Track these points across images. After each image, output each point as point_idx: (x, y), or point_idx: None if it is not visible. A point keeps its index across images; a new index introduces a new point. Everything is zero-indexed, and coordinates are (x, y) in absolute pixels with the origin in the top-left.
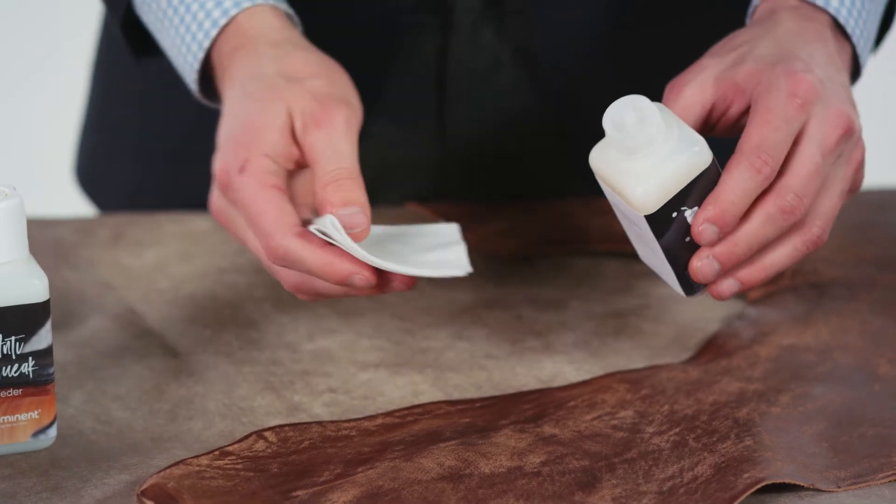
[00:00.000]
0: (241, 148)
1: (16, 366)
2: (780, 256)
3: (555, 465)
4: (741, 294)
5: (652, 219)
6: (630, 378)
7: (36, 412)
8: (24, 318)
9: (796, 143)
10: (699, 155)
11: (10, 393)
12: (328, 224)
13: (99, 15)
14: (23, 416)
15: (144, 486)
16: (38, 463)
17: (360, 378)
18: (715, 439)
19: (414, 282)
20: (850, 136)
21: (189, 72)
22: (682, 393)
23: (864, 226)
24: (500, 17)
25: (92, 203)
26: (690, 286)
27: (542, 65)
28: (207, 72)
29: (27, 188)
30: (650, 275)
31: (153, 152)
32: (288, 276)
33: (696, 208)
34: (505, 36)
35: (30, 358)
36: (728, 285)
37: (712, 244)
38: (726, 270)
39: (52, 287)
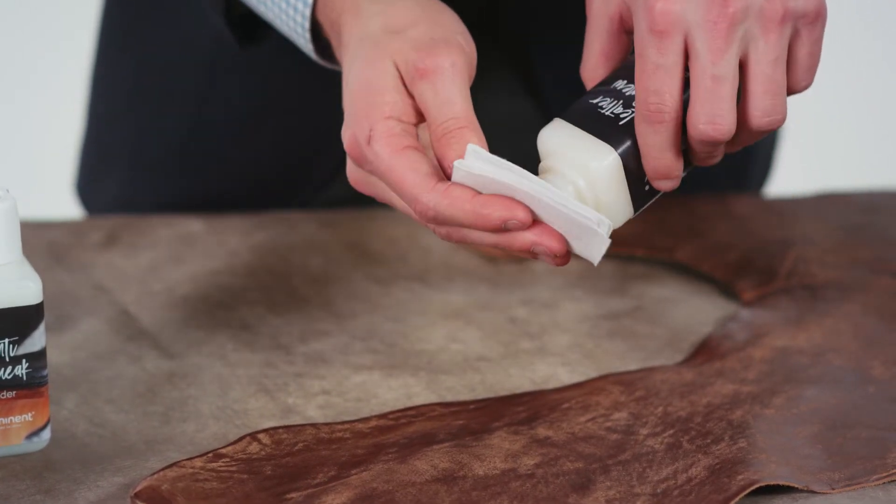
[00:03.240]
0: (363, 117)
1: (9, 368)
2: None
3: (549, 467)
4: (735, 295)
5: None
6: (624, 380)
7: (29, 414)
8: (17, 321)
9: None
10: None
11: (3, 395)
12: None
13: (96, 14)
14: (16, 419)
15: (138, 489)
16: (32, 465)
17: (354, 380)
18: (709, 441)
19: (563, 246)
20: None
21: (303, 42)
22: (676, 395)
23: (857, 228)
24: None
25: (83, 207)
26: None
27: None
28: (322, 39)
29: (21, 191)
30: (645, 276)
31: (147, 157)
32: (440, 230)
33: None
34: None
35: (23, 360)
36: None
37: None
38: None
39: (46, 289)
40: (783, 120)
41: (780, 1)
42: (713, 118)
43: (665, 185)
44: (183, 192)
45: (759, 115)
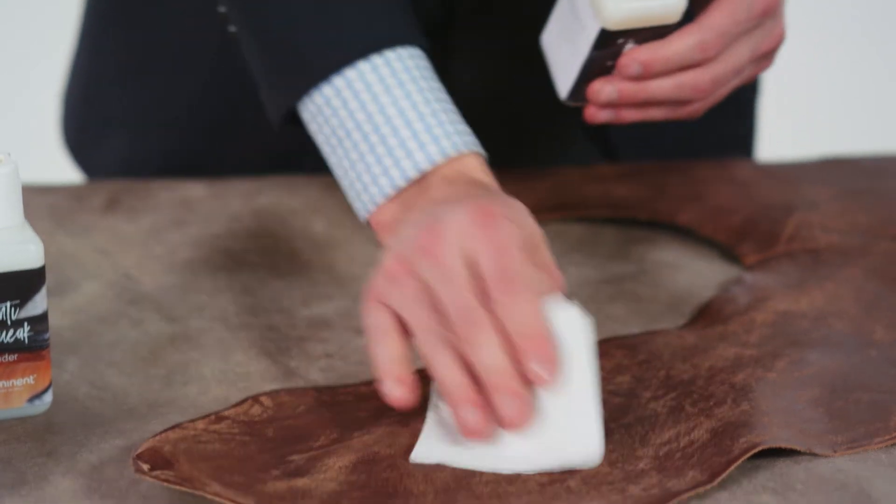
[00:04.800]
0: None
1: (11, 331)
2: (658, 113)
3: None
4: (737, 259)
5: (603, 33)
6: (627, 344)
7: (31, 378)
8: (19, 284)
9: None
10: (674, 8)
11: (5, 358)
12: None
13: None
14: (18, 382)
15: (140, 450)
16: (34, 428)
17: (356, 343)
18: (711, 404)
19: None
20: (772, 12)
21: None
22: (678, 358)
23: (860, 192)
24: None
25: (82, 171)
26: (575, 96)
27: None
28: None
29: (22, 155)
30: (647, 241)
31: (150, 122)
32: None
33: (636, 45)
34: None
35: (25, 323)
36: (606, 114)
37: (626, 80)
38: (617, 104)
39: (47, 253)
40: None
41: (777, 36)
42: None
43: None
44: (187, 155)
45: None
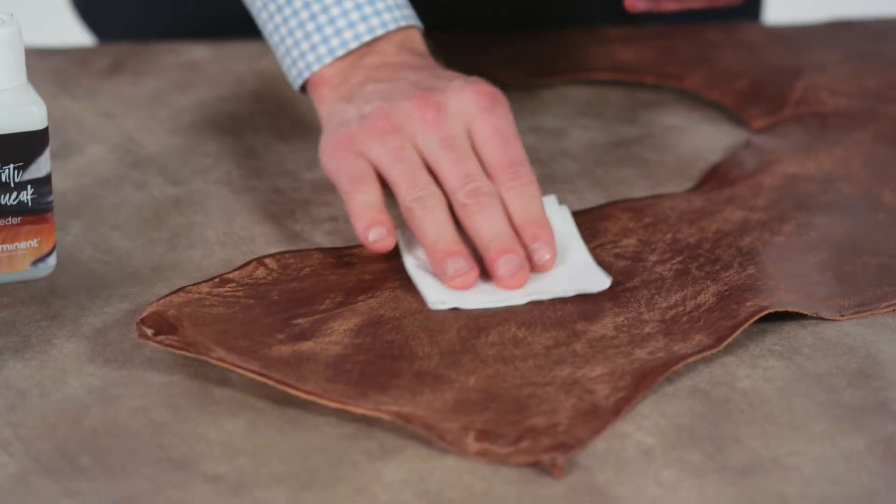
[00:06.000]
0: None
1: (14, 194)
2: (698, 2)
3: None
4: (744, 123)
5: None
6: (633, 207)
7: (35, 241)
8: (22, 146)
9: None
10: None
11: (8, 221)
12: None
13: None
14: (22, 245)
15: (144, 314)
16: (38, 291)
17: None
18: (718, 268)
19: None
20: None
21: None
22: (685, 222)
23: (868, 55)
24: None
25: (89, 30)
26: None
27: None
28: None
29: (25, 16)
30: (653, 104)
31: None
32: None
33: None
34: None
35: (28, 186)
36: (645, 2)
37: None
38: None
39: (51, 116)
40: None
41: None
42: None
43: None
44: (193, 16)
45: None
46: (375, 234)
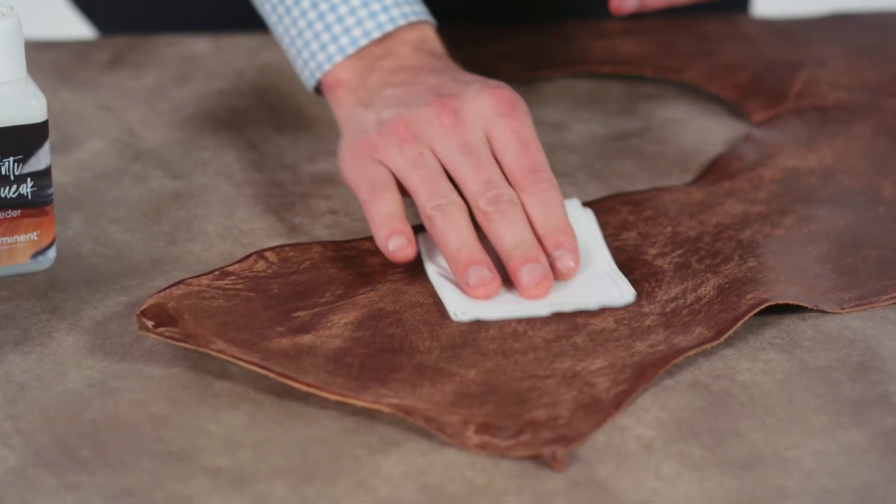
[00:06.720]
0: None
1: (14, 187)
2: None
3: None
4: (744, 116)
5: None
6: (633, 199)
7: (35, 233)
8: (22, 139)
9: None
10: None
11: (8, 214)
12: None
13: None
14: (22, 238)
15: (144, 306)
16: (37, 285)
17: None
18: (718, 261)
19: None
20: None
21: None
22: (685, 215)
23: (868, 49)
24: None
25: (89, 23)
26: None
27: None
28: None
29: (25, 9)
30: (654, 97)
31: None
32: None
33: None
34: None
35: (28, 179)
36: (632, 2)
37: None
38: None
39: (51, 109)
40: None
41: None
42: None
43: None
44: (193, 9)
45: None
46: (396, 244)
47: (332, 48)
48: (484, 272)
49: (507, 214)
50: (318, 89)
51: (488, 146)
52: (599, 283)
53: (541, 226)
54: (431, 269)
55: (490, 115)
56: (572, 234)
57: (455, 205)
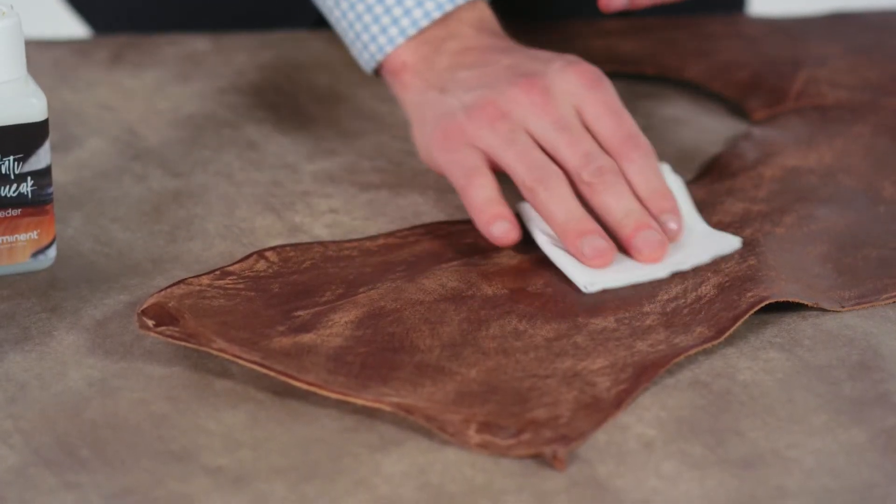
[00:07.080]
0: None
1: (14, 186)
2: None
3: (557, 286)
4: (745, 115)
5: None
6: None
7: (35, 232)
8: (22, 138)
9: None
10: None
11: (8, 213)
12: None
13: None
14: (22, 237)
15: (145, 306)
16: (38, 284)
17: (362, 199)
18: (718, 259)
19: None
20: None
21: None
22: None
23: (868, 48)
24: None
25: (85, 24)
26: None
27: None
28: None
29: (25, 8)
30: (654, 96)
31: None
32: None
33: None
34: None
35: (28, 178)
36: (619, 0)
37: None
38: None
39: (51, 108)
40: None
41: None
42: None
43: None
44: (193, 7)
45: None
46: (500, 230)
47: (392, 30)
48: (598, 241)
49: (611, 185)
50: (377, 72)
51: (579, 120)
52: (704, 239)
53: (643, 192)
54: (542, 240)
55: (578, 90)
56: (673, 198)
57: (555, 174)
